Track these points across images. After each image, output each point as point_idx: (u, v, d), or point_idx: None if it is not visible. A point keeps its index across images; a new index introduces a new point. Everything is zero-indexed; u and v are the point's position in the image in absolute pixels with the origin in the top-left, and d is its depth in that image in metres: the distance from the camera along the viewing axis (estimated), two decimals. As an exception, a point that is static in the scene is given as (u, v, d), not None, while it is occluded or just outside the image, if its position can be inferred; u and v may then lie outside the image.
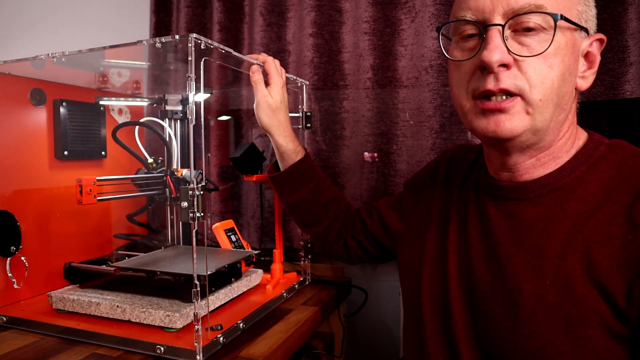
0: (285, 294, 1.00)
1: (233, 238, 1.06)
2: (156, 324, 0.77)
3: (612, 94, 1.03)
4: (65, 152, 1.03)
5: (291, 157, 0.89)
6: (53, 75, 1.00)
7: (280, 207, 1.07)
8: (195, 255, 0.70)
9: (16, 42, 1.21)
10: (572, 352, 0.52)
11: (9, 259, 0.89)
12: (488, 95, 0.56)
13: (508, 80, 0.54)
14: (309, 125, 1.08)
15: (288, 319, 0.88)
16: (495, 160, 0.63)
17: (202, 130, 0.75)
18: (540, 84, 0.54)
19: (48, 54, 0.83)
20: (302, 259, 1.12)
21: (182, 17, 1.46)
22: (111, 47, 0.78)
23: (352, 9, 1.28)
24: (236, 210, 1.43)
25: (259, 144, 1.06)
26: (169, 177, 1.06)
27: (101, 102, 1.12)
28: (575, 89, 0.59)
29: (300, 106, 1.09)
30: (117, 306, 0.80)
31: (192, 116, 0.68)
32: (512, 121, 0.55)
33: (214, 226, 1.05)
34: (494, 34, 0.54)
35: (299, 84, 1.09)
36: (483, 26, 0.55)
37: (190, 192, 0.68)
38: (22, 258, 0.91)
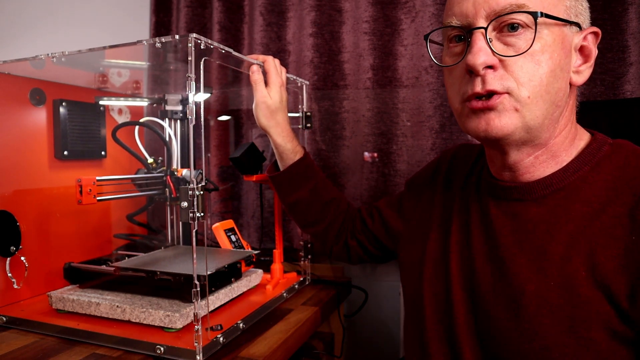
0: (285, 294, 1.00)
1: (233, 238, 1.06)
2: (156, 324, 0.77)
3: (612, 94, 1.03)
4: (65, 152, 1.03)
5: (290, 157, 0.89)
6: (53, 75, 1.00)
7: (280, 207, 1.07)
8: (195, 255, 0.70)
9: (16, 42, 1.21)
10: (575, 354, 0.52)
11: (8, 259, 0.89)
12: (477, 97, 0.57)
13: (494, 81, 0.55)
14: (309, 125, 1.08)
15: (288, 319, 0.88)
16: (496, 160, 0.63)
17: (202, 130, 0.75)
18: (528, 81, 0.54)
19: (48, 54, 0.83)
20: (302, 259, 1.12)
21: (182, 17, 1.46)
22: (111, 47, 0.78)
23: (352, 9, 1.28)
24: (236, 210, 1.43)
25: (259, 144, 1.06)
26: (169, 177, 1.06)
27: (101, 102, 1.12)
28: (571, 84, 0.58)
29: (300, 106, 1.09)
30: (117, 306, 0.80)
31: (192, 116, 0.68)
32: (502, 119, 0.55)
33: (214, 226, 1.05)
34: (478, 37, 0.55)
35: (299, 84, 1.09)
36: (467, 30, 0.57)
37: (190, 192, 0.68)
38: (22, 258, 0.91)
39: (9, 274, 0.89)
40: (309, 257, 1.12)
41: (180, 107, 1.10)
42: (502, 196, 0.63)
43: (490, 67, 0.55)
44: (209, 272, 0.76)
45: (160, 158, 1.10)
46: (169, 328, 0.77)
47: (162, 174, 1.06)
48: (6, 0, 1.22)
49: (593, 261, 0.52)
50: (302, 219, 0.95)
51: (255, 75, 0.87)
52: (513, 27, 0.54)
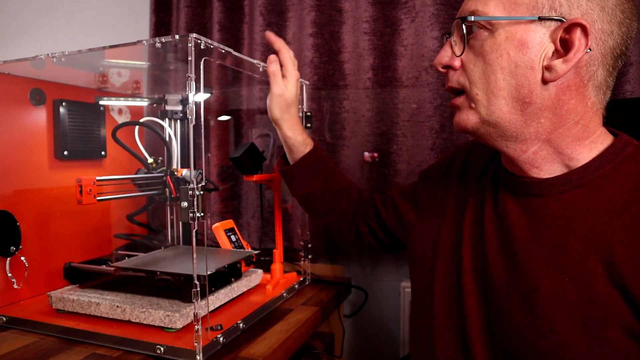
0: (285, 294, 1.00)
1: (233, 238, 1.06)
2: (156, 324, 0.77)
3: (612, 94, 1.03)
4: (65, 152, 1.03)
5: (300, 150, 0.88)
6: (53, 75, 1.00)
7: (280, 207, 1.07)
8: (195, 255, 0.70)
9: (16, 42, 1.21)
10: (590, 352, 0.52)
11: (8, 259, 0.89)
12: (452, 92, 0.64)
13: (452, 79, 0.62)
14: (309, 125, 1.08)
15: (288, 319, 0.88)
16: (503, 157, 0.66)
17: (202, 130, 0.75)
18: (478, 79, 0.59)
19: (48, 54, 0.83)
20: (302, 259, 1.12)
21: (182, 17, 1.46)
22: (111, 47, 0.78)
23: (352, 9, 1.28)
24: (236, 210, 1.43)
25: (259, 144, 1.06)
26: (169, 177, 1.06)
27: (101, 102, 1.12)
28: (545, 80, 0.56)
29: (300, 106, 1.09)
30: (117, 306, 0.80)
31: (192, 116, 0.68)
32: (461, 116, 0.62)
33: (214, 226, 1.05)
34: (446, 42, 0.63)
35: (299, 84, 1.09)
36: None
37: (190, 192, 0.68)
38: (22, 258, 0.91)
39: (9, 274, 0.89)
40: (309, 257, 1.12)
41: (180, 107, 1.10)
42: (520, 191, 0.62)
43: (450, 67, 0.62)
44: (209, 272, 0.76)
45: (160, 158, 1.10)
46: (169, 328, 0.77)
47: (162, 174, 1.06)
48: (6, 0, 1.22)
49: (611, 259, 0.52)
50: (314, 210, 0.94)
51: (273, 66, 0.84)
52: (471, 30, 0.59)
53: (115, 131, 1.03)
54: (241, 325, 0.81)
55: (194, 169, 0.75)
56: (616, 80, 1.02)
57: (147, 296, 0.85)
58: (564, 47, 0.55)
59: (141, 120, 1.09)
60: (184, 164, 1.10)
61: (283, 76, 0.85)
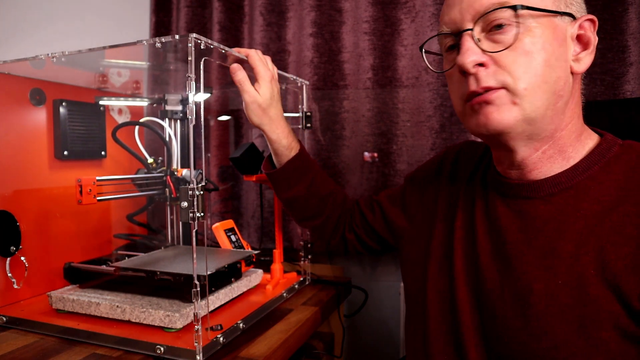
0: (285, 294, 1.00)
1: (233, 238, 1.06)
2: (156, 324, 0.77)
3: (612, 94, 1.03)
4: (65, 152, 1.03)
5: (285, 154, 0.86)
6: (53, 75, 1.00)
7: (280, 207, 1.07)
8: (195, 255, 0.70)
9: (16, 42, 1.21)
10: (585, 354, 0.52)
11: (8, 259, 0.89)
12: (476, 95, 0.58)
13: (488, 78, 0.56)
14: (309, 125, 1.08)
15: (288, 319, 0.88)
16: (504, 160, 0.63)
17: (202, 130, 0.75)
18: (523, 73, 0.55)
19: (48, 54, 0.83)
20: (302, 259, 1.12)
21: (182, 17, 1.46)
22: (111, 47, 0.78)
23: (352, 9, 1.28)
24: (236, 210, 1.43)
25: (259, 144, 1.06)
26: (169, 177, 1.06)
27: (101, 102, 1.12)
28: (572, 73, 0.58)
29: (300, 106, 1.09)
30: (117, 306, 0.80)
31: (192, 116, 0.68)
32: (500, 113, 0.56)
33: (214, 226, 1.05)
34: (466, 39, 0.57)
35: (299, 84, 1.09)
36: (456, 35, 0.59)
37: (190, 192, 0.68)
38: (22, 258, 0.91)
39: (9, 274, 0.89)
40: (309, 257, 1.12)
41: (180, 107, 1.10)
42: (510, 194, 0.62)
43: (482, 65, 0.56)
44: (209, 272, 0.76)
45: (160, 158, 1.10)
46: (169, 328, 0.77)
47: (162, 174, 1.07)
48: (6, 0, 1.22)
49: (603, 260, 0.52)
50: (299, 214, 0.93)
51: (238, 74, 0.82)
52: (499, 26, 0.56)
53: (115, 131, 1.03)
54: (241, 325, 0.81)
55: (194, 169, 0.75)
56: (616, 80, 1.03)
57: (147, 296, 0.85)
58: (579, 41, 0.59)
59: (141, 120, 1.09)
60: (184, 164, 1.10)
61: (256, 81, 0.83)
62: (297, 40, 1.34)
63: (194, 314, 0.71)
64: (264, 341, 0.78)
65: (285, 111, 0.89)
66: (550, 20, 0.56)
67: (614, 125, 0.59)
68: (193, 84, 0.68)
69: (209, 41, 0.73)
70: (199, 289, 0.70)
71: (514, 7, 0.55)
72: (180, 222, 1.13)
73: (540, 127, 0.57)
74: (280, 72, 0.92)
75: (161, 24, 1.53)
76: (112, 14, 1.45)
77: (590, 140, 0.61)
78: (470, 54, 0.56)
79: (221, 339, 0.75)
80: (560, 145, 0.59)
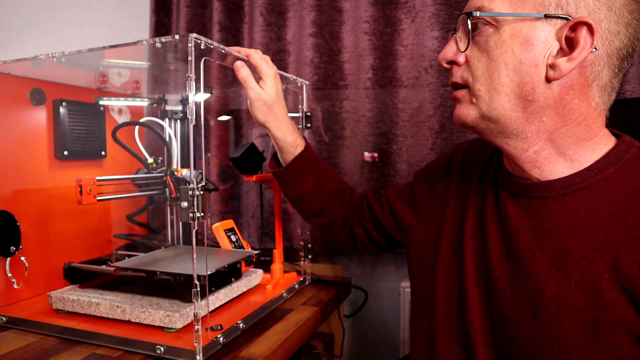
0: (285, 294, 1.00)
1: (233, 238, 1.06)
2: (156, 324, 0.77)
3: (612, 94, 1.03)
4: (65, 152, 1.03)
5: (290, 151, 0.85)
6: (53, 75, 1.00)
7: (280, 207, 1.07)
8: (195, 255, 0.70)
9: (16, 42, 1.21)
10: (596, 357, 0.51)
11: (8, 259, 0.89)
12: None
13: (457, 74, 0.62)
14: (309, 125, 1.08)
15: (288, 319, 0.88)
16: (505, 157, 0.65)
17: (202, 130, 0.75)
18: (481, 75, 0.59)
19: (48, 54, 0.83)
20: (302, 259, 1.12)
21: (182, 17, 1.46)
22: (111, 47, 0.78)
23: (352, 9, 1.28)
24: (236, 210, 1.43)
25: (259, 144, 1.07)
26: (169, 177, 1.06)
27: (101, 102, 1.12)
28: (549, 78, 0.56)
29: (300, 106, 1.09)
30: (117, 306, 0.80)
31: (192, 116, 0.68)
32: (461, 109, 0.62)
33: (214, 226, 1.05)
34: (451, 38, 0.63)
35: (299, 84, 1.09)
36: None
37: (190, 192, 0.68)
38: (22, 258, 0.91)
39: (9, 274, 0.89)
40: (309, 257, 1.12)
41: (180, 107, 1.10)
42: (522, 193, 0.62)
43: (454, 62, 0.62)
44: (209, 272, 0.76)
45: (160, 158, 1.10)
46: (169, 328, 0.77)
47: (162, 174, 1.07)
48: (6, 0, 1.22)
49: (617, 264, 0.51)
50: (306, 211, 0.92)
51: (242, 71, 0.80)
52: (476, 27, 0.59)
53: (115, 131, 1.03)
54: (241, 325, 0.81)
55: (194, 169, 0.75)
56: (616, 80, 1.03)
57: (147, 296, 0.85)
58: (569, 45, 0.54)
59: (141, 120, 1.09)
60: (184, 164, 1.10)
61: (260, 79, 0.82)
62: (297, 40, 1.34)
63: (194, 314, 0.71)
64: (264, 341, 0.78)
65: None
66: (524, 24, 0.55)
67: (614, 125, 0.59)
68: (193, 84, 0.68)
69: (209, 41, 0.73)
70: (199, 289, 0.70)
71: (467, 14, 0.58)
72: (180, 222, 1.13)
73: (510, 126, 0.59)
74: (281, 72, 0.92)
75: (161, 24, 1.53)
76: (112, 13, 1.45)
77: (604, 145, 0.59)
78: (447, 51, 0.62)
79: (221, 339, 0.75)
80: (556, 147, 0.59)
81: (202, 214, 0.69)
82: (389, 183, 1.24)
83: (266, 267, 1.08)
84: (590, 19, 0.53)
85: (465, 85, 0.61)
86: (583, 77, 0.56)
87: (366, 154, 1.27)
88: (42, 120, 1.00)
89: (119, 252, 1.10)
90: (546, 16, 0.55)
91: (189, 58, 0.68)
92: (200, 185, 0.69)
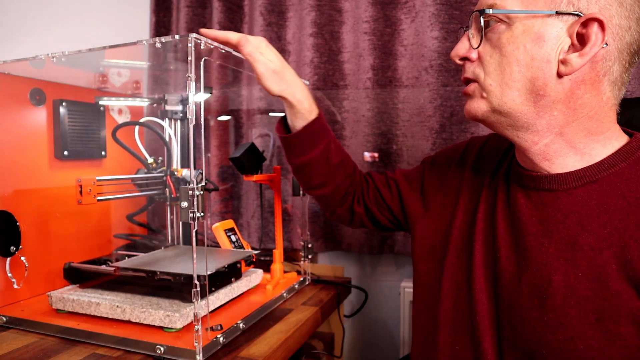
0: (285, 294, 1.00)
1: (233, 238, 1.06)
2: (156, 324, 0.77)
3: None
4: (65, 152, 1.03)
5: (305, 117, 0.82)
6: (53, 75, 1.00)
7: (280, 207, 1.07)
8: (195, 255, 0.70)
9: (16, 42, 1.21)
10: (601, 347, 0.52)
11: (8, 259, 0.89)
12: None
13: (469, 70, 0.63)
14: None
15: (288, 319, 0.88)
16: (516, 150, 0.66)
17: (202, 130, 0.75)
18: (493, 70, 0.60)
19: (48, 54, 0.83)
20: (302, 259, 1.12)
21: (182, 17, 1.46)
22: (111, 47, 0.78)
23: (352, 9, 1.28)
24: (236, 210, 1.43)
25: (259, 144, 1.07)
26: (169, 177, 1.06)
27: (101, 102, 1.12)
28: (560, 74, 0.56)
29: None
30: (117, 306, 0.80)
31: (192, 116, 0.68)
32: (471, 103, 0.63)
33: (214, 226, 1.05)
34: (463, 35, 0.64)
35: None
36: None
37: (190, 192, 0.68)
38: (22, 258, 0.91)
39: (9, 274, 0.89)
40: (309, 257, 1.12)
41: (180, 107, 1.10)
42: (532, 186, 0.62)
43: (467, 59, 0.62)
44: (209, 272, 0.76)
45: (160, 158, 1.10)
46: (169, 328, 0.77)
47: (162, 174, 1.07)
48: (6, 0, 1.22)
49: (625, 255, 0.52)
50: (308, 180, 0.89)
51: (247, 46, 0.76)
52: (488, 24, 0.60)
53: (115, 131, 1.03)
54: (241, 325, 0.81)
55: (194, 169, 0.75)
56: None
57: (147, 296, 0.85)
58: (580, 41, 0.55)
59: (141, 120, 1.09)
60: (184, 164, 1.10)
61: (259, 53, 0.78)
62: (297, 40, 1.34)
63: (194, 314, 0.71)
64: (264, 341, 0.78)
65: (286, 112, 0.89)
66: (535, 20, 0.56)
67: (624, 128, 0.60)
68: (193, 84, 0.68)
69: (209, 41, 0.73)
70: (199, 289, 0.70)
71: (480, 12, 0.59)
72: (180, 222, 1.13)
73: (520, 120, 0.59)
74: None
75: (161, 24, 1.53)
76: (112, 14, 1.45)
77: (615, 140, 0.60)
78: (459, 48, 0.63)
79: (221, 339, 0.75)
80: (567, 141, 0.59)
81: (202, 214, 0.69)
82: (389, 183, 1.24)
83: (266, 267, 1.08)
84: (602, 15, 0.54)
85: (474, 80, 0.63)
86: (594, 72, 0.56)
87: (366, 154, 1.27)
88: (42, 120, 1.00)
89: (119, 252, 1.10)
90: (557, 13, 0.56)
91: (189, 58, 0.68)
92: (200, 185, 0.69)
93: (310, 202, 1.25)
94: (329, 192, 0.89)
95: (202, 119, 0.74)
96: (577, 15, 0.55)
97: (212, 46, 0.74)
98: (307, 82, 1.12)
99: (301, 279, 1.11)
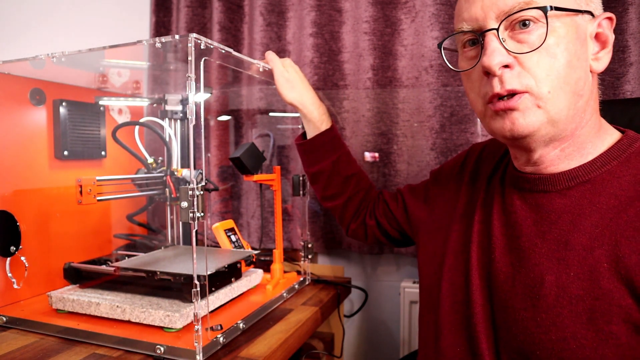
0: (285, 294, 1.00)
1: (233, 238, 1.06)
2: (156, 324, 0.77)
3: (612, 94, 1.03)
4: (65, 152, 1.03)
5: (316, 127, 0.93)
6: (53, 75, 1.00)
7: (280, 207, 1.07)
8: (195, 255, 0.70)
9: (16, 42, 1.21)
10: (594, 346, 0.52)
11: (9, 259, 0.89)
12: (499, 97, 0.57)
13: (513, 80, 0.55)
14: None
15: (288, 319, 0.88)
16: (520, 157, 0.63)
17: (202, 130, 0.75)
18: (546, 76, 0.55)
19: (48, 54, 0.83)
20: (302, 259, 1.12)
21: (182, 17, 1.46)
22: (111, 47, 0.78)
23: (352, 9, 1.28)
24: (236, 210, 1.43)
25: (259, 144, 1.07)
26: (169, 177, 1.06)
27: (101, 102, 1.12)
28: (591, 72, 0.58)
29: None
30: (117, 306, 0.80)
31: (192, 116, 0.68)
32: (526, 117, 0.56)
33: (214, 226, 1.05)
34: (491, 39, 0.56)
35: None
36: (479, 33, 0.58)
37: (190, 192, 0.68)
38: (22, 258, 0.91)
39: (9, 274, 0.89)
40: (309, 257, 1.12)
41: (180, 107, 1.10)
42: (527, 188, 0.63)
43: (507, 66, 0.55)
44: (209, 272, 0.76)
45: (160, 158, 1.10)
46: (169, 328, 0.77)
47: (162, 174, 1.07)
48: (6, 0, 1.22)
49: (617, 254, 0.52)
50: (322, 190, 0.97)
51: (270, 54, 0.93)
52: (524, 24, 0.55)
53: (115, 131, 1.03)
54: (241, 325, 0.81)
55: (194, 169, 0.75)
56: (616, 80, 1.03)
57: (147, 296, 0.85)
58: (597, 39, 0.58)
59: (141, 120, 1.09)
60: (184, 164, 1.10)
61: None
62: (297, 40, 1.34)
63: (194, 314, 0.71)
64: (264, 341, 0.78)
65: (286, 112, 0.90)
66: (573, 19, 0.56)
67: (614, 125, 0.59)
68: (193, 84, 0.68)
69: (209, 41, 0.73)
70: (199, 289, 0.70)
71: (543, 8, 0.53)
72: (180, 222, 1.13)
73: (562, 128, 0.57)
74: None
75: (161, 24, 1.53)
76: (112, 14, 1.45)
77: (609, 136, 0.60)
78: (497, 55, 0.55)
79: (221, 339, 0.75)
80: (579, 143, 0.59)
81: (202, 214, 0.69)
82: (389, 183, 1.24)
83: (266, 267, 1.08)
84: (611, 13, 0.58)
85: (524, 92, 0.56)
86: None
87: (366, 154, 1.27)
88: (42, 120, 1.00)
89: (119, 252, 1.10)
90: (584, 12, 0.57)
91: (189, 58, 0.68)
92: (200, 185, 0.69)
93: (310, 202, 1.26)
94: (341, 204, 0.96)
95: (202, 119, 0.74)
96: (592, 15, 0.58)
97: (212, 46, 0.74)
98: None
99: (301, 279, 1.11)
